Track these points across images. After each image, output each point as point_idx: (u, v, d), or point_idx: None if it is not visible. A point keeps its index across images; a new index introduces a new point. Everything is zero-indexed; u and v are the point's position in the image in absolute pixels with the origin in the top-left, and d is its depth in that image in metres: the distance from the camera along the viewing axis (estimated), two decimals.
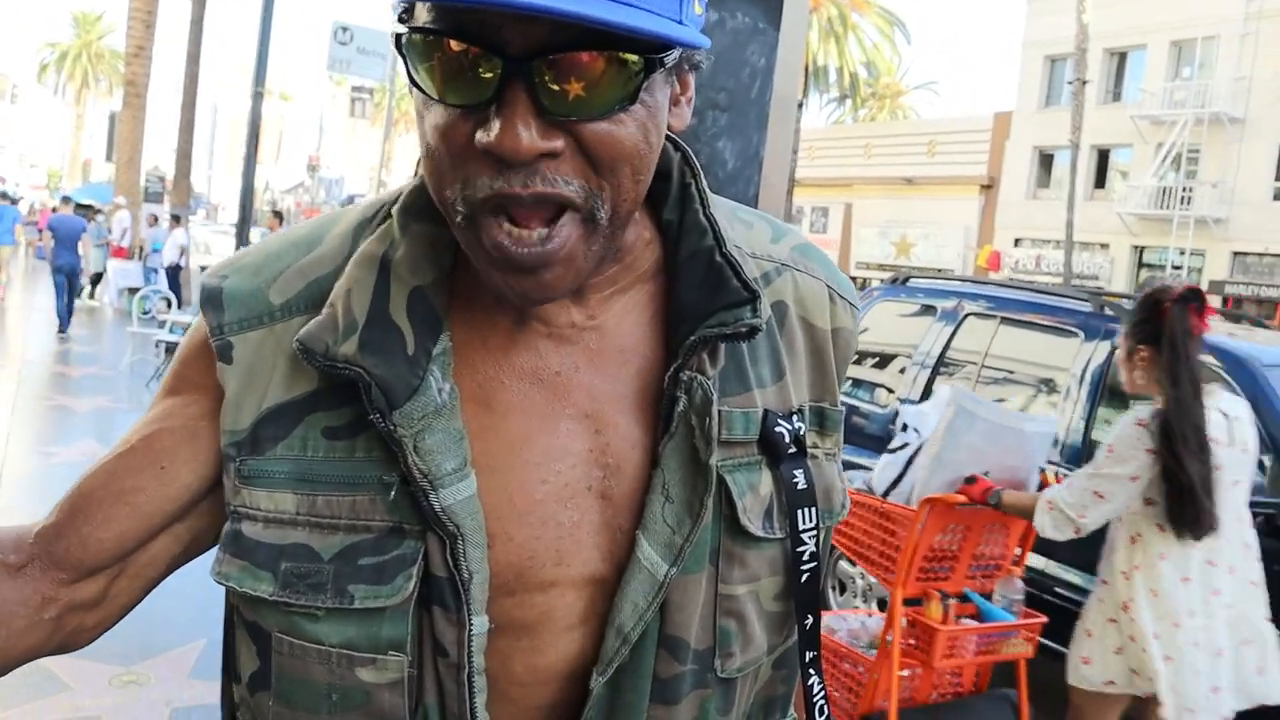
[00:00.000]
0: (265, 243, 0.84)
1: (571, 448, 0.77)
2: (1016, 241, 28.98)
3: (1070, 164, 23.07)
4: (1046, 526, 2.83)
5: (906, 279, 5.58)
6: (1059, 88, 28.61)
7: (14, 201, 18.07)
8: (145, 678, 3.65)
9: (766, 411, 0.80)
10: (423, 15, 0.66)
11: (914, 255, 29.93)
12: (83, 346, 11.90)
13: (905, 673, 3.22)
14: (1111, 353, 4.01)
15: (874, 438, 4.72)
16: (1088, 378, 4.22)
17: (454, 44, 0.65)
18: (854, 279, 22.18)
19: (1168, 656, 2.68)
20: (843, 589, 4.71)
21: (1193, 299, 2.76)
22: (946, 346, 4.92)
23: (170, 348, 9.60)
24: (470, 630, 0.72)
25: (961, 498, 3.02)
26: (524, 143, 0.64)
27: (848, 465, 3.09)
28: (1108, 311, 4.36)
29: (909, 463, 3.24)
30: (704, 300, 0.78)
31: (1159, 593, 2.72)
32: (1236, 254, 25.29)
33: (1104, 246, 27.59)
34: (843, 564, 4.61)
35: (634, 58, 0.66)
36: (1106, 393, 4.14)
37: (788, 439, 0.81)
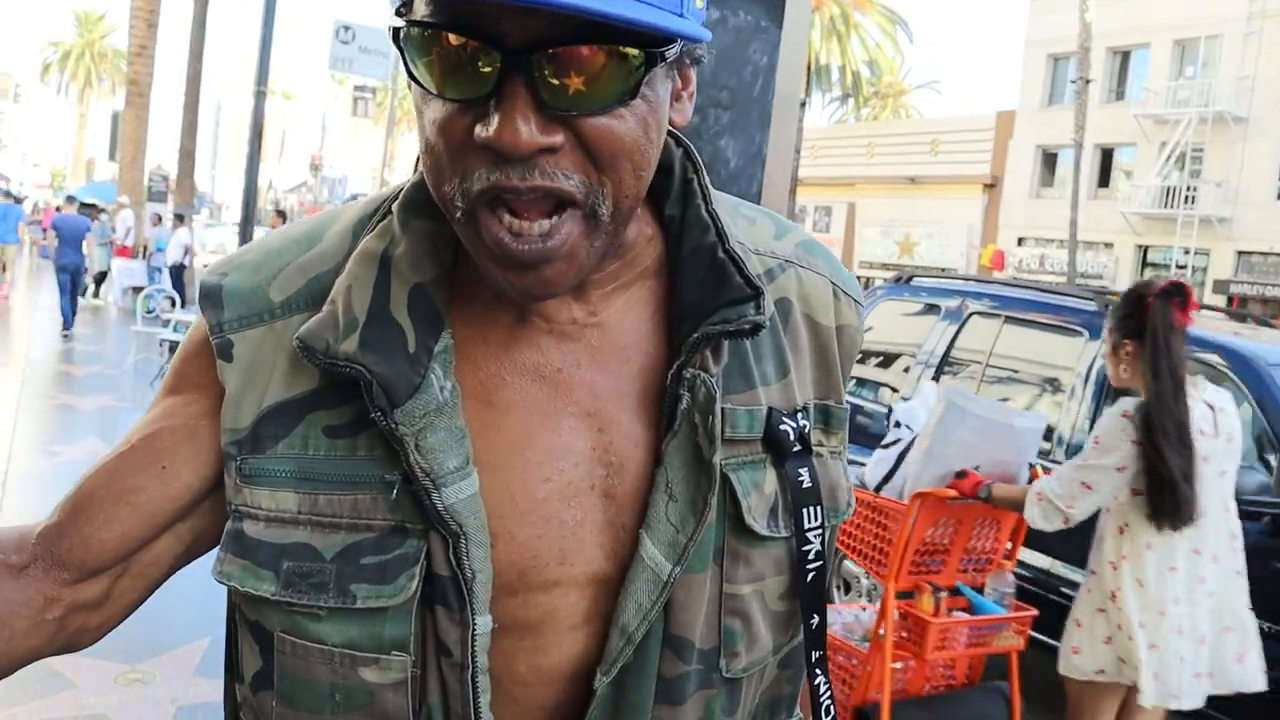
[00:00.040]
0: (265, 240, 0.83)
1: (574, 446, 0.76)
2: (1020, 241, 28.94)
3: (1074, 163, 23.04)
4: (1036, 518, 2.86)
5: (910, 278, 5.57)
6: (1062, 87, 28.56)
7: (18, 200, 18.11)
8: (151, 675, 3.65)
9: (771, 409, 0.80)
10: (421, 9, 0.66)
11: (917, 254, 29.88)
12: (87, 345, 11.91)
13: (898, 665, 3.24)
14: None
15: (878, 437, 4.70)
16: (1092, 377, 4.21)
17: (452, 38, 0.64)
18: (858, 278, 22.11)
19: (1153, 644, 2.72)
20: (847, 588, 4.71)
21: (1176, 293, 2.78)
22: (950, 346, 4.91)
23: (174, 347, 9.59)
24: (474, 630, 0.72)
25: (953, 492, 3.04)
26: (523, 137, 0.64)
27: (851, 464, 3.10)
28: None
29: (901, 458, 3.26)
30: (707, 297, 0.77)
31: (1145, 582, 2.75)
32: (1241, 253, 25.25)
33: (1108, 246, 27.55)
34: (847, 564, 4.60)
35: (634, 51, 0.65)
36: (1111, 392, 4.13)
37: (792, 437, 0.80)
